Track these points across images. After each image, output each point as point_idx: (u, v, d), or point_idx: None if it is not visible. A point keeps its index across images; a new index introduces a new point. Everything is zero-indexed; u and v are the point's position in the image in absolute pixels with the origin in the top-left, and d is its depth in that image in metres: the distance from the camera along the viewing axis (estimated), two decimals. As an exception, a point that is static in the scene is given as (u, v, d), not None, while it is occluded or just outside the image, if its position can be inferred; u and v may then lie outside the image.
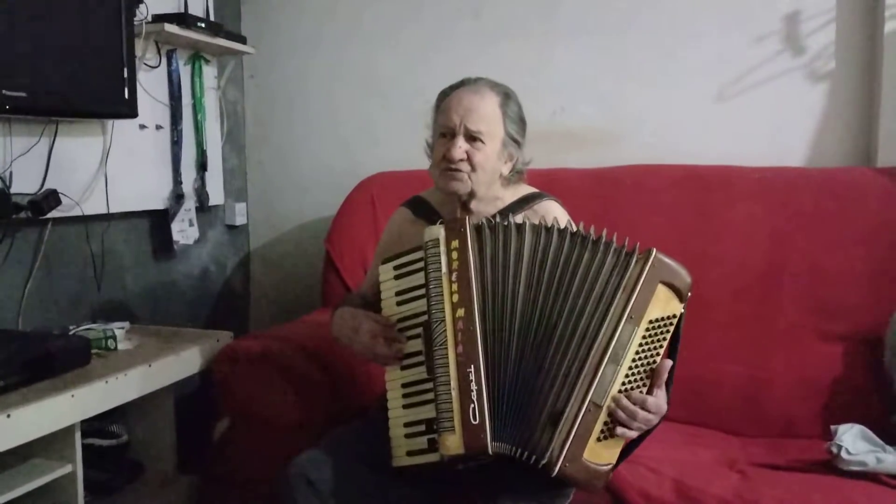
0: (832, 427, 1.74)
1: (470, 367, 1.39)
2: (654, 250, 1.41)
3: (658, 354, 1.40)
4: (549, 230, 1.45)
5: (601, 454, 1.37)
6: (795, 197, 2.18)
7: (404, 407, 1.48)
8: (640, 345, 1.38)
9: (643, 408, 1.37)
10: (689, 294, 1.42)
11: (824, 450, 1.72)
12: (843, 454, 1.67)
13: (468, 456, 1.38)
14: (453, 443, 1.38)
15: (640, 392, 1.39)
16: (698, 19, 2.46)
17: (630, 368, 1.38)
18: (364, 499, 1.50)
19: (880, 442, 1.71)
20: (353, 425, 1.67)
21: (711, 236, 2.19)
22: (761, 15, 2.39)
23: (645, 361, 1.39)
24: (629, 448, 1.45)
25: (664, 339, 1.40)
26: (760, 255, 2.15)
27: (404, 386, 1.50)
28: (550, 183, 2.02)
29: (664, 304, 1.40)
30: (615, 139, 2.55)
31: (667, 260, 1.42)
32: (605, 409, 1.37)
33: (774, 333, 2.10)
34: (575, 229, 1.45)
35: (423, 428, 1.45)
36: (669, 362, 1.40)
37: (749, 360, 2.08)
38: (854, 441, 1.70)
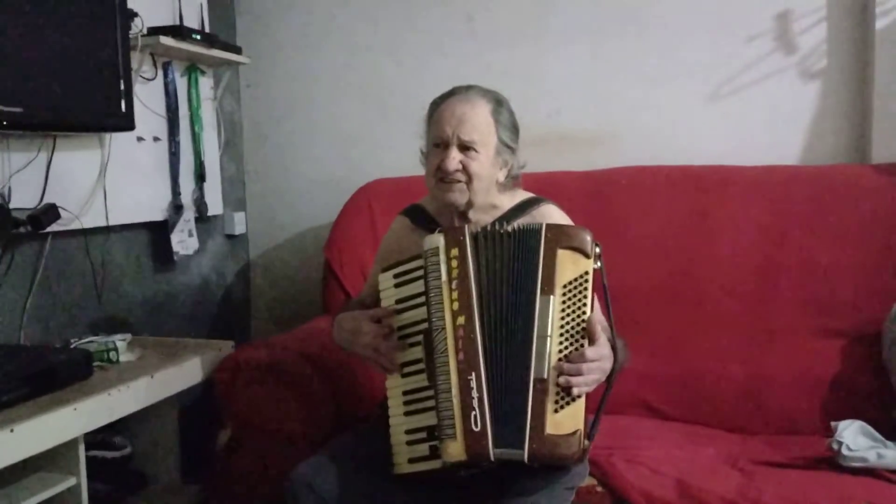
0: (832, 423, 1.75)
1: (471, 375, 1.40)
2: (544, 223, 1.47)
3: (584, 313, 1.43)
4: (510, 234, 1.47)
5: (564, 424, 1.39)
6: (790, 195, 2.19)
7: (405, 414, 1.49)
8: (562, 310, 1.42)
9: (584, 361, 1.40)
10: (598, 248, 1.46)
11: (825, 446, 1.72)
12: (844, 450, 1.68)
13: (470, 463, 1.39)
14: (455, 450, 1.39)
15: (579, 351, 1.42)
16: (690, 20, 2.47)
17: (561, 335, 1.42)
18: (367, 505, 1.50)
19: (881, 437, 1.71)
20: (355, 432, 1.68)
21: (707, 235, 2.20)
22: (753, 14, 2.41)
23: (573, 323, 1.42)
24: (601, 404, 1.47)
25: (584, 297, 1.43)
26: (756, 254, 2.16)
27: (405, 393, 1.50)
28: (546, 186, 2.03)
29: (573, 267, 1.44)
30: (610, 141, 2.56)
31: (559, 227, 1.48)
32: (550, 381, 1.39)
33: (772, 331, 2.11)
34: (522, 228, 1.48)
35: (424, 435, 1.46)
36: (594, 316, 1.44)
37: (747, 358, 2.09)
38: (854, 437, 1.70)
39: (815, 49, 2.37)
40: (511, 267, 1.46)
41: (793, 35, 2.39)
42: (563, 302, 1.42)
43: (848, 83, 2.36)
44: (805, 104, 2.40)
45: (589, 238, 1.45)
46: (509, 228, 1.48)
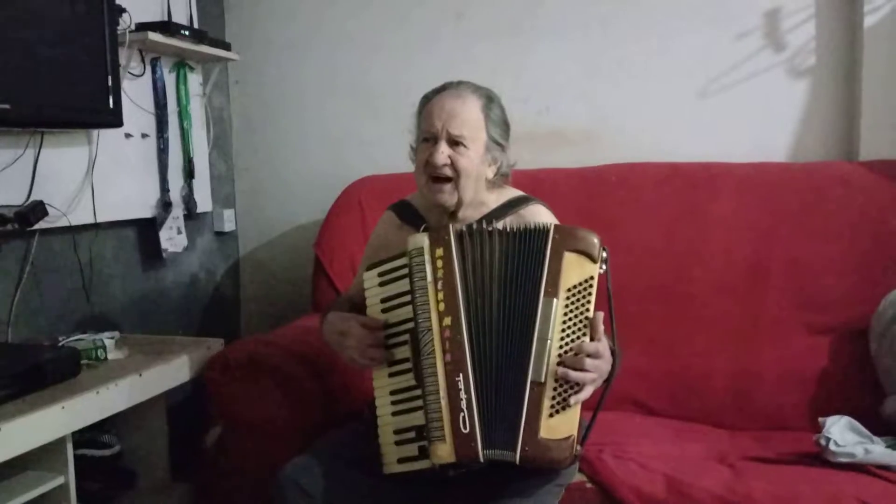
0: (820, 419, 1.76)
1: (459, 376, 1.40)
2: (552, 224, 1.45)
3: (587, 318, 1.41)
4: (510, 233, 1.46)
5: (558, 428, 1.38)
6: (779, 192, 2.20)
7: (393, 414, 1.49)
8: (565, 314, 1.41)
9: (581, 352, 1.38)
10: (605, 253, 1.44)
11: (813, 442, 1.73)
12: (832, 446, 1.68)
13: (460, 464, 1.39)
14: (444, 452, 1.38)
15: (580, 346, 1.40)
16: (680, 18, 2.48)
17: (561, 339, 1.40)
18: (355, 502, 1.50)
19: (868, 433, 1.72)
20: (344, 429, 1.68)
21: (696, 233, 2.21)
22: (742, 12, 2.42)
23: (575, 328, 1.41)
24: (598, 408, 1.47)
25: (587, 301, 1.41)
26: (745, 251, 2.17)
27: (392, 393, 1.50)
28: (536, 183, 2.03)
29: (578, 270, 1.42)
30: (600, 138, 2.56)
31: (567, 229, 1.45)
32: (547, 384, 1.38)
33: (761, 327, 2.12)
34: (522, 228, 1.46)
35: (412, 435, 1.46)
36: (601, 314, 1.42)
37: (736, 355, 2.10)
38: (842, 433, 1.71)
39: (804, 47, 2.38)
40: (505, 266, 1.44)
41: (781, 33, 2.40)
42: (567, 306, 1.41)
43: (836, 81, 2.37)
44: (794, 102, 2.41)
45: (597, 242, 1.43)
46: (511, 228, 1.46)
